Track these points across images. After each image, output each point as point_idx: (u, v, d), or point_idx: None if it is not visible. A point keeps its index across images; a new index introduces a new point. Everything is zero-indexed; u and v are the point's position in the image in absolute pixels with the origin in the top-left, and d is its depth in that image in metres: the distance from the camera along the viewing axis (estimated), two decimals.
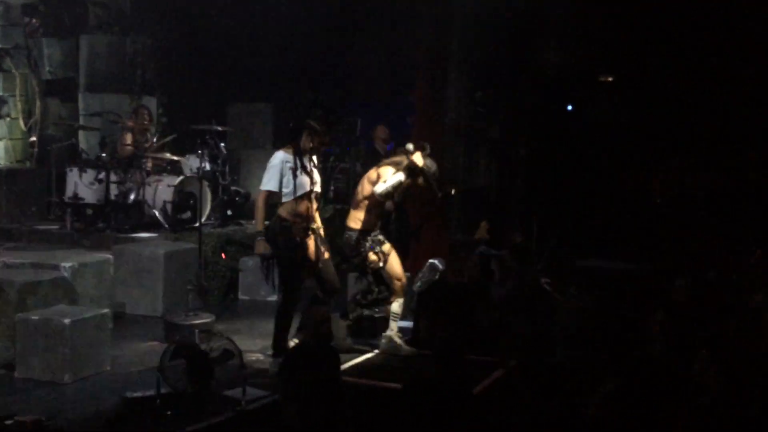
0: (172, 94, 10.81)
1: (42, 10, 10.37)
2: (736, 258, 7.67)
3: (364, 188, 6.42)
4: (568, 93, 11.88)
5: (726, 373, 4.62)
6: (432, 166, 6.40)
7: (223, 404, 5.26)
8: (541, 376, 5.83)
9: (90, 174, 8.54)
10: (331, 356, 4.88)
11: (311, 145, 5.94)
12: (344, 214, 7.12)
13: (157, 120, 10.14)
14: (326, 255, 6.11)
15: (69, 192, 8.59)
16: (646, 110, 10.89)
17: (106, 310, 6.22)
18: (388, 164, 6.40)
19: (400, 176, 6.24)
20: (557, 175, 11.02)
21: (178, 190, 8.67)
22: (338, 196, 10.59)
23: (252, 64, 11.28)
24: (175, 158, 9.17)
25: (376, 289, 6.52)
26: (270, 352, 6.17)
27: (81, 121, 9.83)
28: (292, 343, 6.02)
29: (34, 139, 10.22)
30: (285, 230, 5.92)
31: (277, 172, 5.92)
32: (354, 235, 6.40)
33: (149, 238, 8.36)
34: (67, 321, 5.78)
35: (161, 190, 8.65)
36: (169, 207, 8.59)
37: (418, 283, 6.98)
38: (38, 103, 10.28)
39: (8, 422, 4.79)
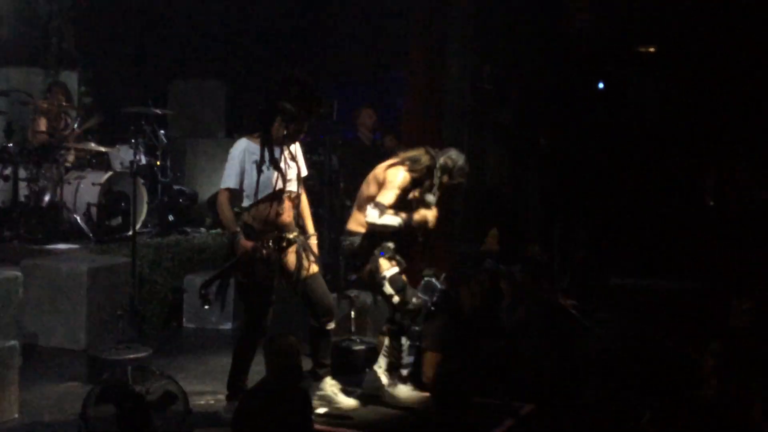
0: (97, 68, 10.80)
1: None
2: None
3: (370, 187, 6.43)
4: (598, 67, 11.94)
5: None
6: (458, 158, 6.41)
7: None
8: (564, 423, 5.83)
9: None
10: (299, 399, 4.88)
11: (285, 132, 5.94)
12: (316, 220, 7.11)
13: (78, 101, 10.12)
14: (314, 269, 6.09)
15: None
16: (697, 90, 10.96)
17: (12, 342, 6.16)
18: (400, 164, 6.40)
19: (397, 220, 6.23)
20: (584, 170, 11.06)
21: (106, 189, 8.65)
22: (309, 195, 10.56)
23: (201, 32, 11.29)
24: (102, 149, 9.14)
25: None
26: (224, 394, 6.17)
27: None
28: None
29: None
30: (248, 238, 5.90)
31: (237, 165, 5.91)
32: (357, 240, 6.40)
33: (68, 250, 8.34)
34: None
35: (84, 190, 8.63)
36: (93, 211, 8.57)
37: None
38: None
39: None
